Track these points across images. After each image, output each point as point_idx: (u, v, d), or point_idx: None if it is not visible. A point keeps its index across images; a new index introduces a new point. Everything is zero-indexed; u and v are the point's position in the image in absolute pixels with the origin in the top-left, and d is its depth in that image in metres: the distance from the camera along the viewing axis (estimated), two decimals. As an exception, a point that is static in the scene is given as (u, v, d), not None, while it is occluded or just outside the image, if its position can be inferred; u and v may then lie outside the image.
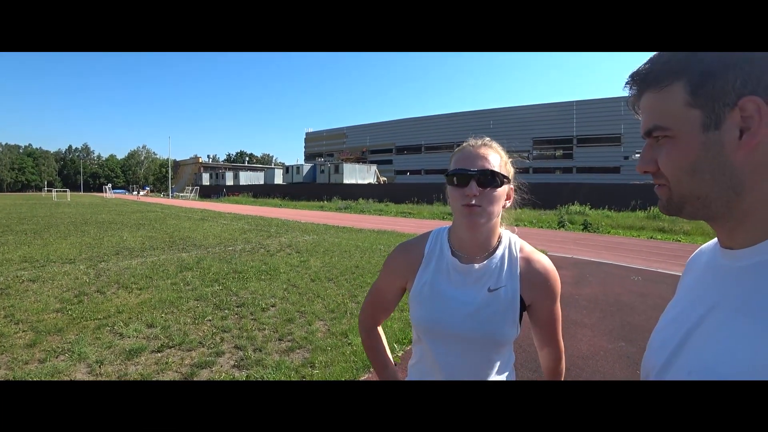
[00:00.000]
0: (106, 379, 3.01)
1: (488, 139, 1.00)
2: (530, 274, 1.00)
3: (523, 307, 1.00)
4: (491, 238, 1.00)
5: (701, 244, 0.68)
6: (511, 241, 1.03)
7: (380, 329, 1.22)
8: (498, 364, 1.01)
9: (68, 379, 3.00)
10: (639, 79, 0.56)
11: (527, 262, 1.01)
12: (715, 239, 0.61)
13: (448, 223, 1.11)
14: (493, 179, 0.92)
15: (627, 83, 0.58)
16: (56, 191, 53.34)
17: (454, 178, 0.94)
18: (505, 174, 0.96)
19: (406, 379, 1.13)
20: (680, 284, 0.68)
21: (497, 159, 0.95)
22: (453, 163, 0.98)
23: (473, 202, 0.92)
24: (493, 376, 1.00)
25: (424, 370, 1.06)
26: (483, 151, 0.95)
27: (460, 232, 1.01)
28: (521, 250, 1.02)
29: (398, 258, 1.09)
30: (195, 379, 3.06)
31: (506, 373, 1.04)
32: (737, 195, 0.50)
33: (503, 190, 0.96)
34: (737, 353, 0.46)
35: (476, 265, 0.99)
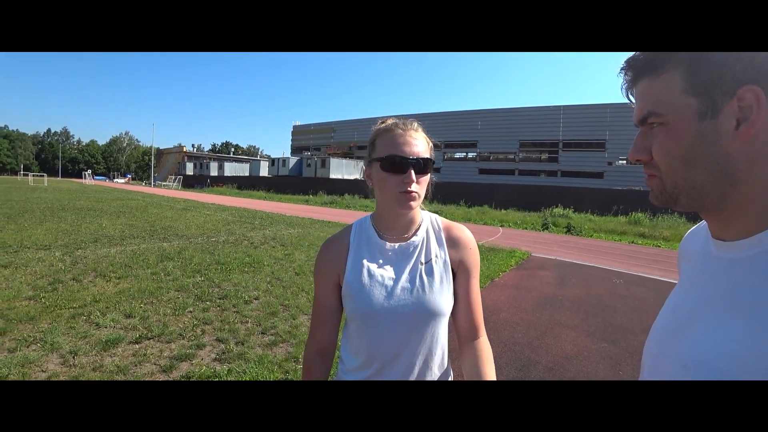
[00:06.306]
0: (80, 370, 2.89)
1: (415, 123, 0.99)
2: (453, 239, 1.04)
3: (454, 275, 1.02)
4: (416, 216, 1.03)
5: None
6: (431, 217, 1.08)
7: (326, 360, 1.07)
8: (436, 338, 0.99)
9: (40, 370, 2.88)
10: (635, 65, 0.54)
11: (448, 230, 1.06)
12: (705, 223, 0.61)
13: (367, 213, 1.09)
14: (427, 166, 0.95)
15: (622, 69, 0.55)
16: (33, 175, 51.79)
17: (391, 164, 0.93)
18: (432, 159, 1.00)
19: (336, 379, 1.07)
20: (679, 272, 0.68)
21: (426, 145, 0.97)
22: (384, 145, 0.95)
23: (411, 188, 0.93)
24: (435, 353, 0.99)
25: (360, 367, 1.00)
26: (417, 137, 0.96)
27: (388, 216, 1.01)
28: (441, 222, 1.07)
29: (325, 255, 1.04)
30: (174, 372, 2.97)
31: (443, 348, 1.02)
32: (732, 186, 0.49)
33: (430, 175, 0.99)
34: (729, 348, 0.46)
35: (405, 243, 1.02)
